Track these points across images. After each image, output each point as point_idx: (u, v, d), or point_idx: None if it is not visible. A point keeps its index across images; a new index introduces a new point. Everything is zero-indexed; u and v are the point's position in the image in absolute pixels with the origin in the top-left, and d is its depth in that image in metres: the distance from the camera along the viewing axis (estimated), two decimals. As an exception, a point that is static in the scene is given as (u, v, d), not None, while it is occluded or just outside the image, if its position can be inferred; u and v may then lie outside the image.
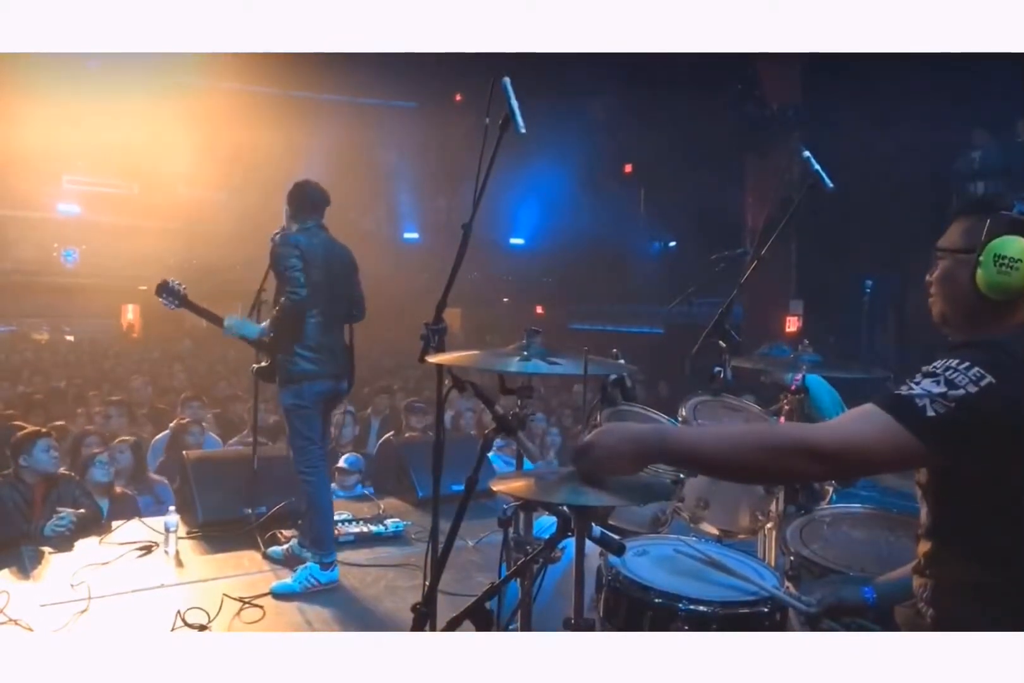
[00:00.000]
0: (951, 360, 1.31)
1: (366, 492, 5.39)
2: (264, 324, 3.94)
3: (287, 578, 3.79)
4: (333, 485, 4.75)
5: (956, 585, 1.41)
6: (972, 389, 1.26)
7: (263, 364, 3.96)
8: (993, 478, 1.32)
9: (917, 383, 1.31)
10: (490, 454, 4.93)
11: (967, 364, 1.29)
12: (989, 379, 1.26)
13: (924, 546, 1.48)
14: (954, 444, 1.26)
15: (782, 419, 2.84)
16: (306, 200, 3.90)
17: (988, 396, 1.26)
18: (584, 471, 1.55)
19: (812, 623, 1.71)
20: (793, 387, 2.86)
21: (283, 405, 3.86)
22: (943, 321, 1.54)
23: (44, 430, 4.54)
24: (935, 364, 1.33)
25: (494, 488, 1.68)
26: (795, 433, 1.39)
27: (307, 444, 3.81)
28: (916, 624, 1.50)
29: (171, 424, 6.08)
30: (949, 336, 1.52)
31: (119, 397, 7.37)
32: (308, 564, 3.80)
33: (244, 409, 6.80)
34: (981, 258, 1.40)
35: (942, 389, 1.27)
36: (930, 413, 1.26)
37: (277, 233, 4.05)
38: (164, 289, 4.05)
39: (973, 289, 1.42)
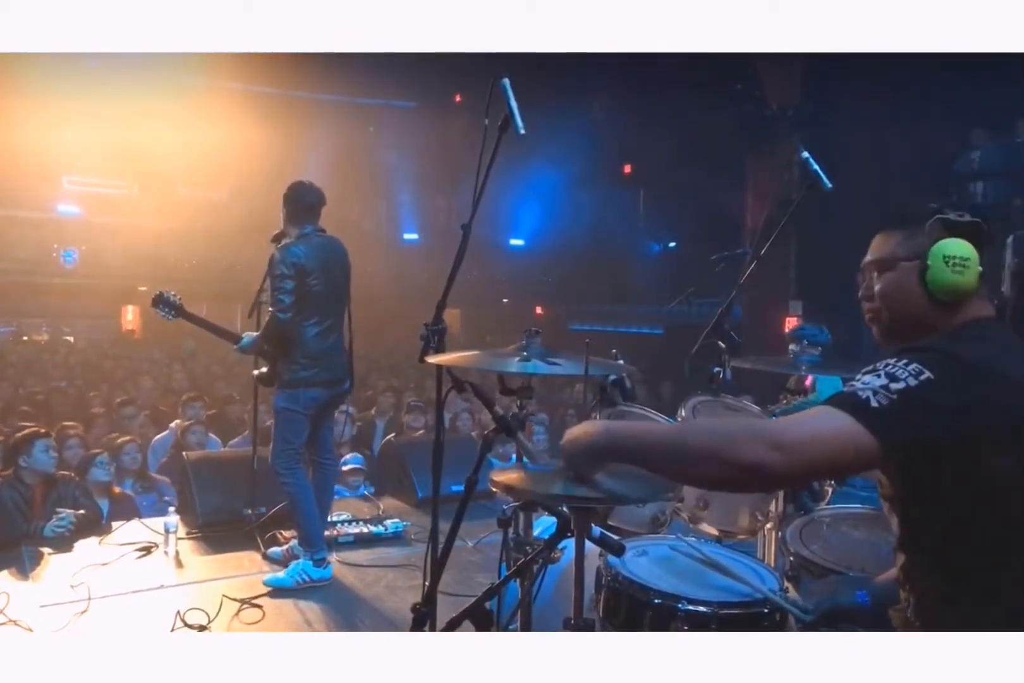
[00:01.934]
0: (890, 359, 1.35)
1: (367, 493, 5.40)
2: (256, 334, 3.96)
3: (280, 572, 3.82)
4: (338, 485, 4.76)
5: (935, 599, 1.41)
6: (912, 382, 1.28)
7: (263, 370, 3.98)
8: (946, 487, 1.33)
9: (858, 379, 1.34)
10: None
11: (905, 361, 1.32)
12: (928, 374, 1.28)
13: (899, 559, 1.48)
14: (901, 436, 1.27)
15: None
16: (301, 201, 3.90)
17: (928, 390, 1.28)
18: (570, 474, 1.58)
19: (808, 631, 1.71)
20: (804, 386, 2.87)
21: (275, 407, 3.88)
22: (890, 336, 1.54)
23: (43, 430, 4.54)
24: (875, 364, 1.36)
25: (493, 479, 1.67)
26: (751, 420, 1.38)
27: (287, 447, 3.83)
28: (909, 627, 1.49)
29: (172, 424, 6.09)
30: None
31: (126, 397, 7.37)
32: (301, 560, 3.83)
33: (242, 410, 6.81)
34: (929, 262, 1.43)
35: (883, 381, 1.30)
36: (874, 404, 1.27)
37: (277, 234, 4.06)
38: (160, 301, 4.06)
39: (922, 294, 1.45)
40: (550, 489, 1.59)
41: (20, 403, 7.45)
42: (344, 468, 5.36)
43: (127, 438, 5.30)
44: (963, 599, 1.36)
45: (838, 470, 1.38)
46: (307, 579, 3.77)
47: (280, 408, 3.84)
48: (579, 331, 15.27)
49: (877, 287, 1.52)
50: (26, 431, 4.48)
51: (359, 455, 5.63)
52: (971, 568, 1.35)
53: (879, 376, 1.31)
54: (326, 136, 14.43)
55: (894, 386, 1.28)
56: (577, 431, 1.51)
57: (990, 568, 1.34)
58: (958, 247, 1.42)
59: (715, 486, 1.63)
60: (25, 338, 16.15)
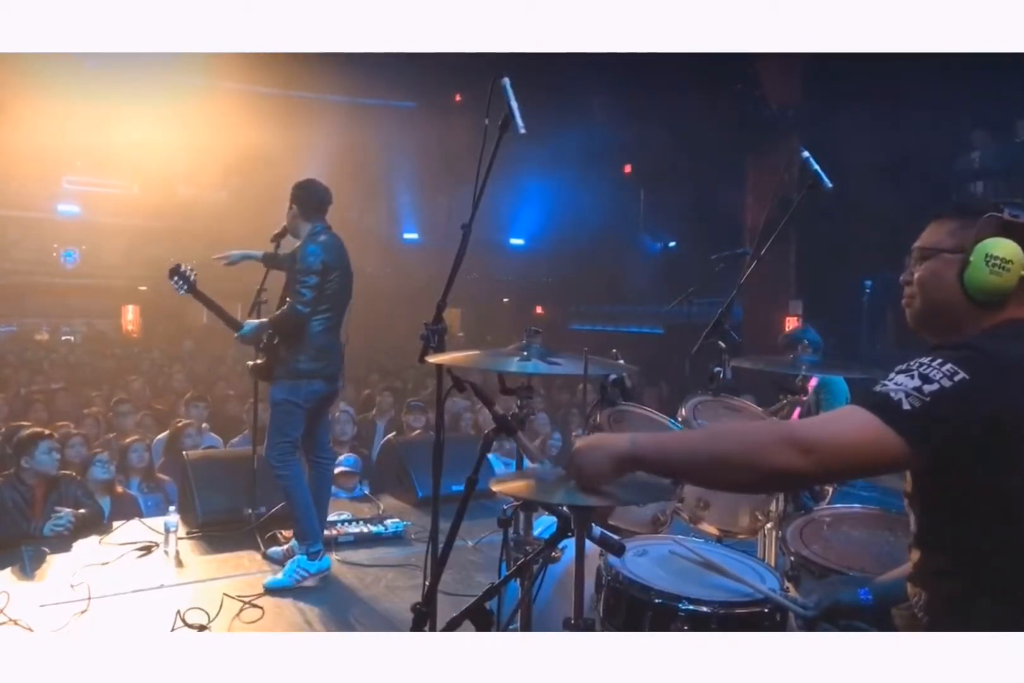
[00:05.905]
0: (924, 358, 1.32)
1: (365, 492, 5.39)
2: (258, 321, 3.94)
3: (279, 574, 3.80)
4: (334, 487, 4.75)
5: (946, 596, 1.40)
6: (946, 383, 1.26)
7: (259, 361, 3.94)
8: (975, 488, 1.32)
9: (891, 379, 1.32)
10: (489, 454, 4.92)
11: (940, 361, 1.30)
12: (963, 375, 1.27)
13: (914, 555, 1.48)
14: (932, 440, 1.26)
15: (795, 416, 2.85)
16: (312, 199, 3.91)
17: (963, 391, 1.26)
18: (578, 484, 1.56)
19: (809, 627, 1.70)
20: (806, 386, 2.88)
21: (273, 399, 3.82)
22: (921, 324, 1.52)
23: (47, 432, 4.54)
24: (909, 363, 1.33)
25: (493, 488, 1.68)
26: (778, 424, 1.38)
27: (283, 440, 3.79)
28: (914, 626, 1.49)
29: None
30: (929, 340, 1.51)
31: (122, 396, 7.37)
32: (296, 557, 3.81)
33: (241, 409, 6.80)
34: (972, 258, 1.40)
35: (916, 383, 1.28)
36: (906, 407, 1.26)
37: (278, 233, 4.08)
38: (176, 272, 4.07)
39: (959, 289, 1.43)
40: (552, 495, 1.60)
41: (20, 403, 7.45)
42: (336, 470, 5.33)
43: (134, 437, 5.30)
44: (976, 598, 1.35)
45: (868, 472, 1.38)
46: (305, 574, 3.76)
47: (279, 400, 3.79)
48: (579, 331, 15.28)
49: (916, 274, 1.50)
50: (29, 432, 4.48)
51: (351, 456, 5.59)
52: (988, 569, 1.35)
53: (912, 376, 1.29)
54: (326, 136, 14.40)
55: (927, 388, 1.26)
56: (595, 440, 1.51)
57: (1007, 569, 1.33)
58: (1004, 247, 1.39)
59: (746, 491, 1.62)
60: (26, 338, 16.15)
